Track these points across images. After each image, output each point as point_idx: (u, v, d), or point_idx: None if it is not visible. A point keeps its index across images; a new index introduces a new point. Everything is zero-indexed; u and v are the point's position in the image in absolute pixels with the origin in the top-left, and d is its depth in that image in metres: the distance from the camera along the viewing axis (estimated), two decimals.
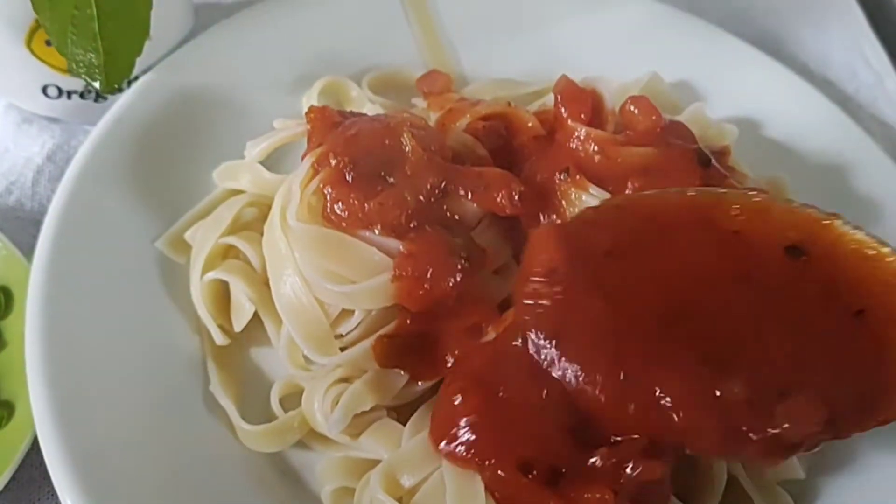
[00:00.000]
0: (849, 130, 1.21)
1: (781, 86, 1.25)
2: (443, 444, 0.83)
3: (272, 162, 1.06)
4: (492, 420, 0.82)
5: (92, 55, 0.91)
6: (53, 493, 0.85)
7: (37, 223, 0.99)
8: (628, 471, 0.78)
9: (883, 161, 1.18)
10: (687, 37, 1.28)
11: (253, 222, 1.04)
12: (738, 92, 1.26)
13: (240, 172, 1.06)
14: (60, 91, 1.11)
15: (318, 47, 1.21)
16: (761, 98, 1.25)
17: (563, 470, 0.80)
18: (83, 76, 0.92)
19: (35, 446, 0.87)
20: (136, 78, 1.10)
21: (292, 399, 0.94)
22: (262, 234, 0.99)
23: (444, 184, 0.91)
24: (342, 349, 0.91)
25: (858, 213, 1.15)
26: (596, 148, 0.96)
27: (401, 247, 0.88)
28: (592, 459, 0.80)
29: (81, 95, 1.11)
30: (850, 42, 1.43)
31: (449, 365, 0.91)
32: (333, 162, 0.90)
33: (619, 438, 0.81)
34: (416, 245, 0.88)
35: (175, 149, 1.08)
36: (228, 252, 1.01)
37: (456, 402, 0.84)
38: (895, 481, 0.95)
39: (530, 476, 0.79)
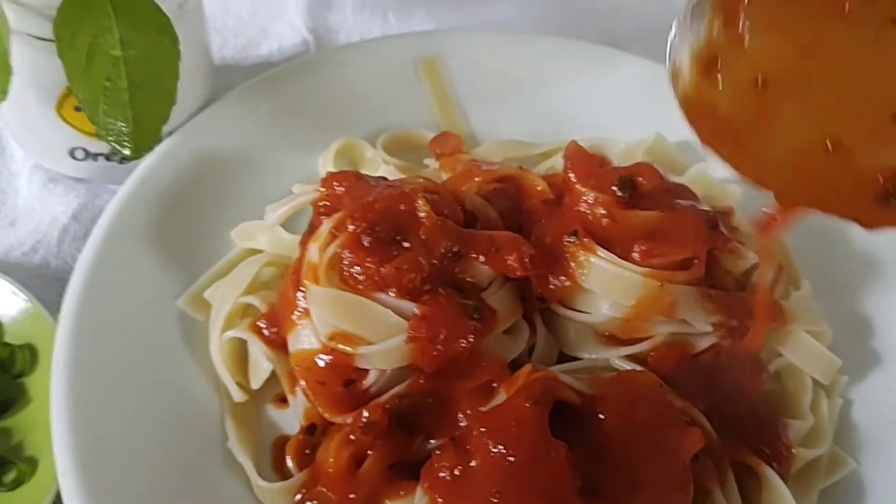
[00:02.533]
0: None
1: None
2: None
3: (288, 222, 1.10)
4: (507, 484, 0.84)
5: (122, 124, 0.95)
6: None
7: (61, 281, 1.03)
8: None
9: None
10: None
11: (271, 281, 1.08)
12: None
13: (258, 232, 1.09)
14: (87, 153, 1.15)
15: (334, 109, 1.26)
16: None
17: None
18: (113, 143, 0.97)
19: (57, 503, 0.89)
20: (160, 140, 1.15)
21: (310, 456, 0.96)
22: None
23: (456, 247, 0.94)
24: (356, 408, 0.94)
25: (858, 267, 1.19)
26: (603, 212, 0.99)
27: (415, 309, 0.91)
28: None
29: (107, 158, 1.15)
30: None
31: (461, 423, 0.93)
32: (351, 227, 0.93)
33: None
34: (430, 307, 0.91)
35: (196, 209, 1.12)
36: (247, 311, 1.05)
37: (473, 464, 0.86)
38: None
39: None
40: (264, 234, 1.09)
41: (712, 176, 1.22)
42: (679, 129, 1.29)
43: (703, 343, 1.00)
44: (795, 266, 1.18)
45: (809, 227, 1.22)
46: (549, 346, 1.01)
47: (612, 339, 1.01)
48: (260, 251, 1.09)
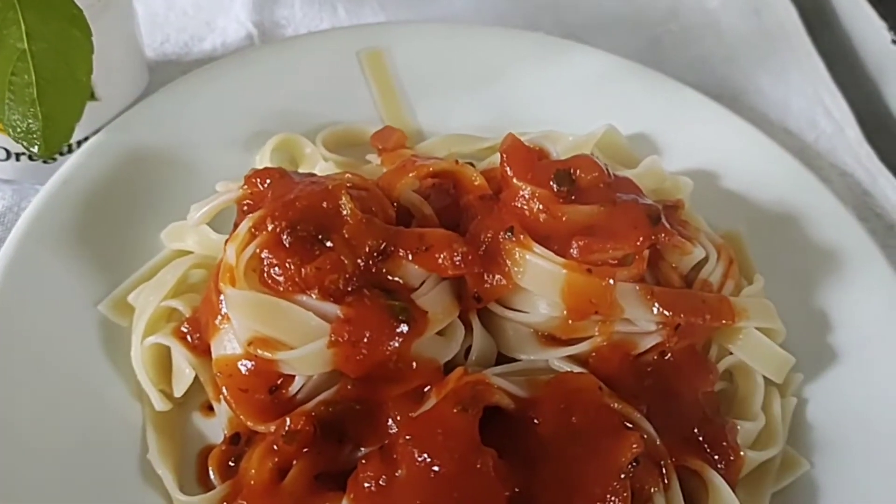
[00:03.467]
0: (806, 181, 1.20)
1: (738, 138, 1.25)
2: None
3: (221, 223, 1.05)
4: (431, 495, 0.79)
5: (30, 121, 0.91)
6: None
7: None
8: None
9: (839, 211, 1.17)
10: (643, 89, 1.28)
11: (199, 284, 1.03)
12: (695, 144, 1.25)
13: (186, 233, 1.05)
14: (8, 153, 1.10)
15: (273, 105, 1.21)
16: (718, 150, 1.25)
17: None
18: (21, 142, 0.92)
19: None
20: (87, 139, 1.10)
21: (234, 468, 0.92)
22: None
23: (383, 246, 0.90)
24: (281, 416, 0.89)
25: (815, 263, 1.15)
26: (541, 206, 0.95)
27: (338, 311, 0.86)
28: None
29: (30, 157, 1.11)
30: (809, 91, 1.42)
31: (391, 430, 0.89)
32: (271, 226, 0.89)
33: None
34: (353, 310, 0.86)
35: (123, 210, 1.07)
36: (172, 315, 1.00)
37: (399, 473, 0.82)
38: None
39: None
40: (192, 236, 1.04)
41: (664, 169, 1.19)
42: (633, 122, 1.28)
43: (647, 342, 0.96)
44: (750, 259, 1.14)
45: (765, 220, 1.20)
46: (487, 347, 0.97)
47: (552, 340, 0.97)
48: (189, 253, 1.05)
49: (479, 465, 0.80)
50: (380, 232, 0.90)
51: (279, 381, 0.90)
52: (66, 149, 1.10)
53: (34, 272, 0.98)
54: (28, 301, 0.96)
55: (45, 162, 1.11)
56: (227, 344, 0.91)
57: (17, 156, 1.11)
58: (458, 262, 0.91)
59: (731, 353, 1.02)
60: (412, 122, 1.26)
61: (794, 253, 1.16)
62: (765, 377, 1.02)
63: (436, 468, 0.80)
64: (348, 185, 0.93)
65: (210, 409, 0.98)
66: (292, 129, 1.20)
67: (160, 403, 0.95)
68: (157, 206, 1.09)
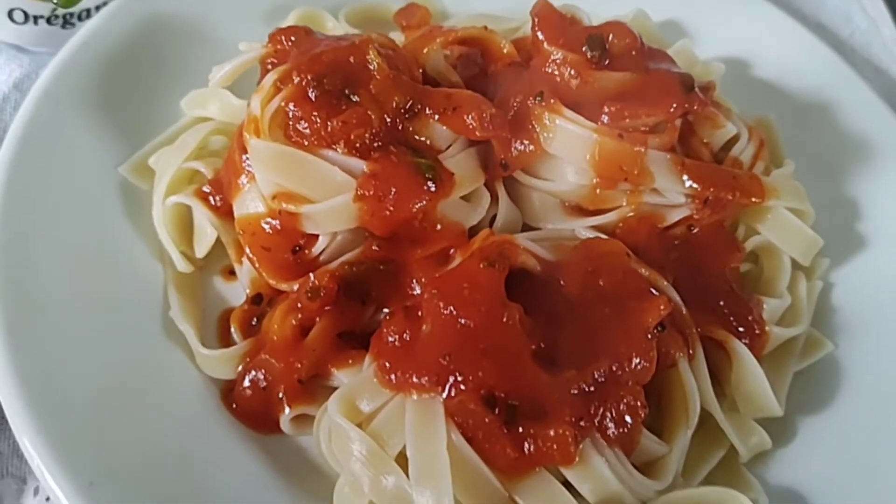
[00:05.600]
0: (839, 71, 1.18)
1: (771, 26, 1.22)
2: (396, 375, 0.80)
3: (241, 89, 1.02)
4: (457, 347, 0.79)
5: None
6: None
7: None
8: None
9: (873, 101, 1.14)
10: None
11: (220, 151, 1.02)
12: (727, 32, 1.22)
13: (208, 99, 1.03)
14: (27, 16, 1.08)
15: None
16: (751, 38, 1.22)
17: (523, 407, 0.77)
18: None
19: None
20: (105, 3, 1.08)
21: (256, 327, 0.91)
22: None
23: (410, 104, 0.87)
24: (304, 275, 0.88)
25: (845, 152, 1.13)
26: (572, 72, 0.92)
27: (364, 167, 0.85)
28: (559, 385, 0.77)
29: (48, 21, 1.08)
30: None
31: (414, 292, 0.88)
32: (297, 79, 0.86)
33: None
34: (379, 165, 0.85)
35: (143, 76, 1.05)
36: (193, 178, 0.99)
37: (424, 329, 0.81)
38: (872, 420, 0.92)
39: (495, 412, 0.76)
40: (214, 102, 1.02)
41: (695, 53, 1.16)
42: (663, 8, 1.24)
43: (675, 215, 0.95)
44: (780, 145, 1.12)
45: (796, 108, 1.17)
46: (512, 216, 0.95)
47: (578, 210, 0.95)
48: (210, 120, 1.03)
49: (505, 319, 0.79)
50: (407, 89, 0.88)
51: (302, 242, 0.89)
52: (85, 13, 1.07)
53: (53, 133, 0.96)
54: (47, 162, 0.95)
55: (63, 27, 1.09)
56: (251, 203, 0.89)
57: (36, 19, 1.08)
58: (486, 124, 0.89)
59: (759, 234, 1.01)
60: (437, 1, 1.23)
61: (825, 142, 1.14)
62: (791, 260, 1.01)
63: (462, 321, 0.79)
64: (375, 42, 0.90)
65: (231, 273, 0.97)
66: (315, 3, 1.17)
67: (182, 264, 0.94)
68: (177, 75, 1.07)
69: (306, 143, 0.86)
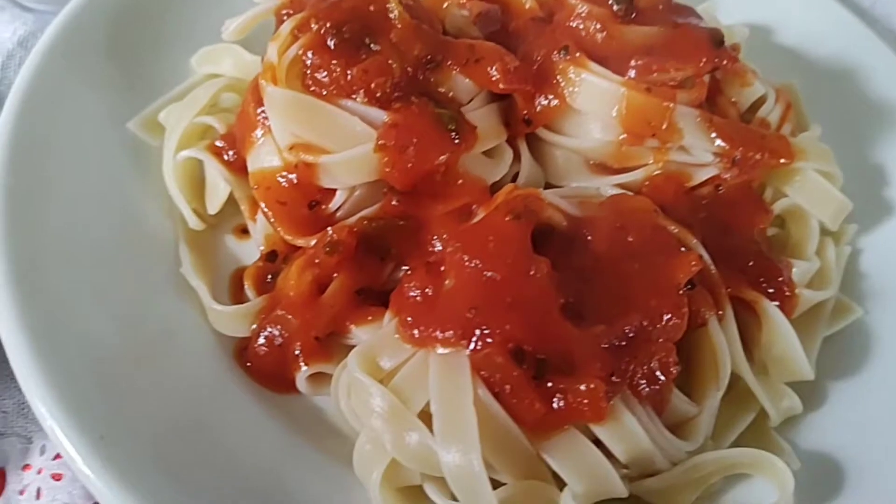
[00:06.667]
0: (862, 36, 1.15)
1: None
2: (419, 330, 0.77)
3: (256, 47, 0.99)
4: (483, 300, 0.76)
5: None
6: (10, 374, 0.80)
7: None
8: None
9: None
10: None
11: (232, 108, 0.99)
12: None
13: (220, 55, 1.00)
14: None
15: None
16: (772, 4, 1.19)
17: (552, 361, 0.74)
18: None
19: None
20: None
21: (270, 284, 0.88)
22: None
23: (431, 55, 0.85)
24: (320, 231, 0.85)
25: (871, 118, 1.10)
26: (598, 26, 0.90)
27: (385, 117, 0.82)
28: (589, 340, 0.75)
29: None
30: None
31: (436, 249, 0.85)
32: (315, 27, 0.84)
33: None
34: (401, 115, 0.82)
35: (151, 32, 1.02)
36: (205, 134, 0.96)
37: (447, 284, 0.78)
38: None
39: (523, 366, 0.74)
40: (225, 58, 0.99)
41: (719, 17, 1.13)
42: None
43: (702, 175, 0.92)
44: (804, 110, 1.09)
45: (820, 74, 1.14)
46: (535, 174, 0.93)
47: (603, 168, 0.92)
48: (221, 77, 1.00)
49: (533, 272, 0.76)
50: (429, 39, 0.85)
51: (319, 197, 0.86)
52: None
53: (60, 88, 0.93)
54: (53, 117, 0.91)
55: None
56: (266, 157, 0.86)
57: None
58: (510, 75, 0.86)
59: (786, 196, 0.98)
60: None
61: (850, 108, 1.12)
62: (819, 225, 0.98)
63: (488, 274, 0.76)
64: None
65: (243, 232, 0.94)
66: None
67: (194, 221, 0.91)
68: (186, 31, 1.04)
69: (325, 92, 0.83)
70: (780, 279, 0.90)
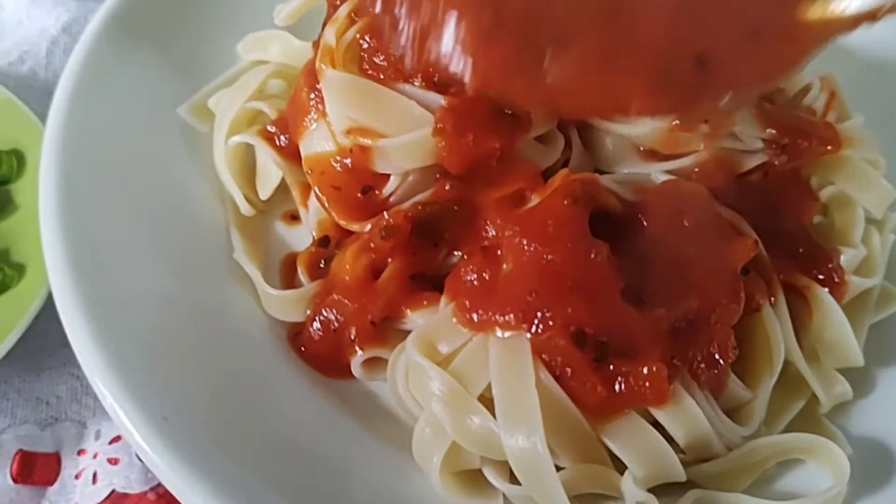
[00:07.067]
0: None
1: None
2: (478, 313, 0.77)
3: (304, 34, 0.99)
4: (543, 284, 0.76)
5: None
6: (63, 361, 0.80)
7: (51, 94, 0.93)
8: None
9: None
10: None
11: (280, 94, 0.99)
12: None
13: (268, 42, 1.00)
14: None
15: None
16: None
17: (614, 344, 0.75)
18: None
19: (46, 307, 0.82)
20: None
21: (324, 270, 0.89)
22: None
23: None
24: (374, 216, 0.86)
25: None
26: None
27: (442, 101, 0.82)
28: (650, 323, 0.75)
29: None
30: None
31: (489, 234, 0.85)
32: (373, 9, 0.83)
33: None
34: (458, 99, 0.82)
35: (199, 17, 1.03)
36: (255, 119, 0.96)
37: (505, 268, 0.78)
38: None
39: (585, 350, 0.74)
40: (273, 44, 1.00)
41: None
42: None
43: (752, 161, 0.92)
44: (844, 101, 1.09)
45: (859, 63, 1.14)
46: (585, 161, 0.92)
47: (653, 155, 0.92)
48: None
49: (593, 255, 0.77)
50: None
51: (372, 182, 0.86)
52: None
53: (110, 73, 0.94)
54: (104, 101, 0.92)
55: None
56: (319, 142, 0.87)
57: None
58: None
59: (832, 184, 0.98)
60: None
61: (891, 97, 1.12)
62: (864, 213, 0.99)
63: (547, 257, 0.76)
64: None
65: (293, 218, 0.94)
66: None
67: (245, 207, 0.91)
68: (233, 17, 1.04)
69: (382, 76, 0.83)
70: (830, 266, 0.90)
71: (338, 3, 0.91)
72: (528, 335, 0.75)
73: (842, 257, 0.92)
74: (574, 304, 0.75)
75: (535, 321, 0.75)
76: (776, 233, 0.90)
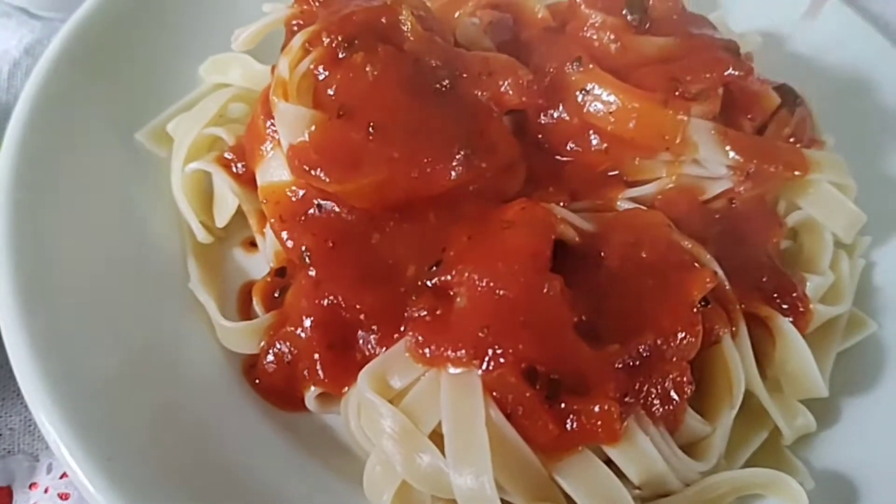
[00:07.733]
0: (875, 43, 1.14)
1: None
2: (430, 349, 0.76)
3: (265, 57, 0.98)
4: (496, 319, 0.75)
5: None
6: (17, 391, 0.79)
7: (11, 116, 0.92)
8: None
9: None
10: None
11: (241, 118, 0.98)
12: (760, 6, 1.18)
13: (229, 65, 0.99)
14: None
15: None
16: (782, 12, 1.18)
17: (566, 381, 0.73)
18: None
19: None
20: None
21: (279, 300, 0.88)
22: None
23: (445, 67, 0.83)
24: None
25: (884, 130, 1.09)
26: (611, 36, 0.89)
27: None
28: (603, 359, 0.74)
29: None
30: None
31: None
32: (326, 41, 0.82)
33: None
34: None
35: (160, 40, 1.01)
36: (213, 145, 0.95)
37: (458, 302, 0.77)
38: None
39: (536, 387, 0.73)
40: (234, 67, 0.98)
41: (730, 25, 1.12)
42: None
43: (716, 188, 0.91)
44: (816, 122, 1.08)
45: (832, 84, 1.13)
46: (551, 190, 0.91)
47: (616, 181, 0.91)
48: (229, 87, 0.99)
49: (546, 290, 0.75)
50: (442, 52, 0.84)
51: None
52: None
53: (68, 99, 0.92)
54: (61, 127, 0.90)
55: None
56: (275, 171, 0.85)
57: None
58: (524, 89, 0.85)
59: (800, 209, 0.97)
60: None
61: (861, 117, 1.11)
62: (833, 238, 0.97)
63: (500, 292, 0.75)
64: (406, 2, 0.86)
65: (251, 245, 0.93)
66: None
67: (202, 234, 0.90)
68: (194, 41, 1.03)
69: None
70: (795, 294, 0.89)
71: (295, 28, 0.89)
72: (480, 372, 0.74)
73: (808, 285, 0.91)
74: (526, 340, 0.74)
75: (487, 358, 0.74)
76: (740, 261, 0.89)
